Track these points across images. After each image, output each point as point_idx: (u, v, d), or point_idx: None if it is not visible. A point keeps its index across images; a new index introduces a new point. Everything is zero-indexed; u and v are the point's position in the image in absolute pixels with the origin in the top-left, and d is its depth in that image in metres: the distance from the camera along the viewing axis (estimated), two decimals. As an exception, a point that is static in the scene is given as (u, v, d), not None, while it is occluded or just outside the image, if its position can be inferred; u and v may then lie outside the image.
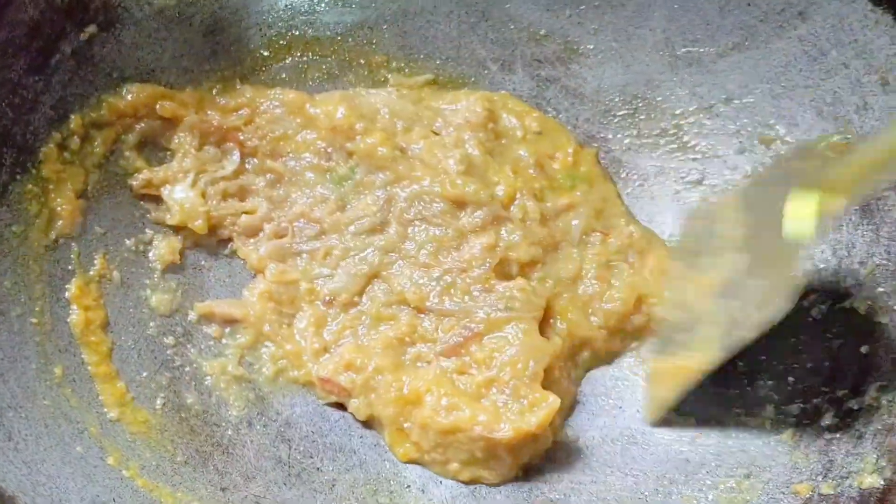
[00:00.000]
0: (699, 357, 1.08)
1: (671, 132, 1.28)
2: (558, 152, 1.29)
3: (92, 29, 1.18)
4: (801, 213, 0.92)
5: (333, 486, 1.15)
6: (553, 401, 1.11)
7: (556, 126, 1.31)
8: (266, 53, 1.31)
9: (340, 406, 1.19)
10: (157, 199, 1.24)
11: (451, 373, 1.15)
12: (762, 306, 0.99)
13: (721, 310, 1.07)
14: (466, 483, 1.14)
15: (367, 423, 1.18)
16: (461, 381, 1.15)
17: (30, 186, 1.14)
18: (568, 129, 1.31)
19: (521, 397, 1.12)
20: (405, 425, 1.14)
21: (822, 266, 1.14)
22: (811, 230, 0.91)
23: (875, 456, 1.01)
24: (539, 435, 1.11)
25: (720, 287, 1.08)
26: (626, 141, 1.30)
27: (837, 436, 1.05)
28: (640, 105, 1.29)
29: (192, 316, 1.23)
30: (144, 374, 1.17)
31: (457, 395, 1.12)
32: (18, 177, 1.13)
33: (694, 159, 1.26)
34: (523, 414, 1.10)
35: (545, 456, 1.15)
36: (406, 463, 1.16)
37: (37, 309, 1.12)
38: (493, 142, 1.27)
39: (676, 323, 1.16)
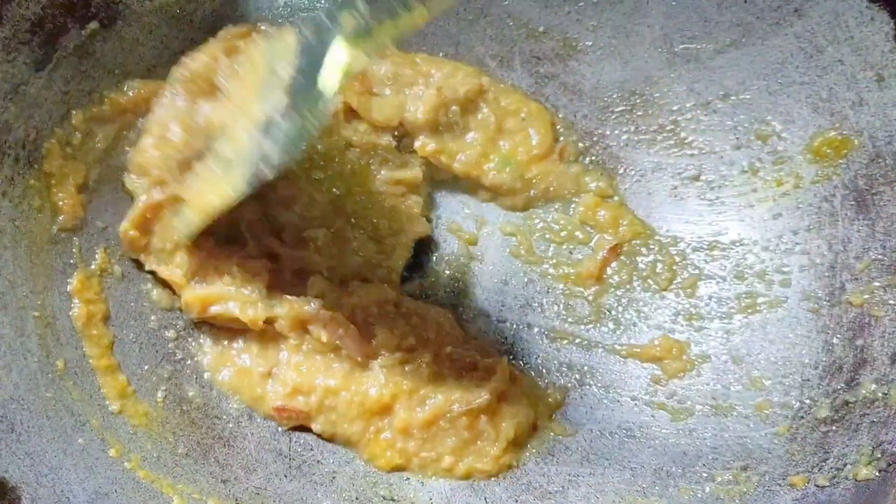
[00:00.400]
0: (225, 189, 1.09)
1: (668, 128, 1.28)
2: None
3: (93, 25, 1.18)
4: (334, 67, 0.95)
5: (334, 478, 1.16)
6: (502, 359, 1.18)
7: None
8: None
9: (306, 429, 1.19)
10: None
11: (399, 364, 1.18)
12: (285, 148, 1.02)
13: (254, 146, 1.07)
14: (462, 479, 1.16)
15: (334, 440, 1.19)
16: (410, 370, 1.17)
17: (32, 181, 1.14)
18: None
19: (474, 367, 1.18)
20: (384, 435, 1.16)
21: (818, 261, 1.15)
22: (336, 84, 0.96)
23: (871, 448, 1.02)
24: (511, 396, 1.16)
25: (260, 124, 1.08)
26: (624, 137, 1.30)
27: (833, 428, 1.06)
28: (638, 101, 1.30)
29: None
30: (146, 367, 1.18)
31: (421, 385, 1.15)
32: (21, 172, 1.13)
33: (691, 155, 1.27)
34: (485, 379, 1.16)
35: (541, 445, 1.18)
36: (392, 472, 1.16)
37: (39, 302, 1.12)
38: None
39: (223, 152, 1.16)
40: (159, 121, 1.19)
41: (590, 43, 1.31)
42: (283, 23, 1.31)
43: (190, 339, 1.22)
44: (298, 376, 1.17)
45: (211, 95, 1.19)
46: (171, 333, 1.21)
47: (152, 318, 1.21)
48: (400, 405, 1.15)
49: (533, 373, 1.24)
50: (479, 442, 1.15)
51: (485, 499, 1.14)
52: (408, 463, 1.16)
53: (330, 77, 0.96)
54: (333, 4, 0.99)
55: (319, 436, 1.18)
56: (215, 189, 1.11)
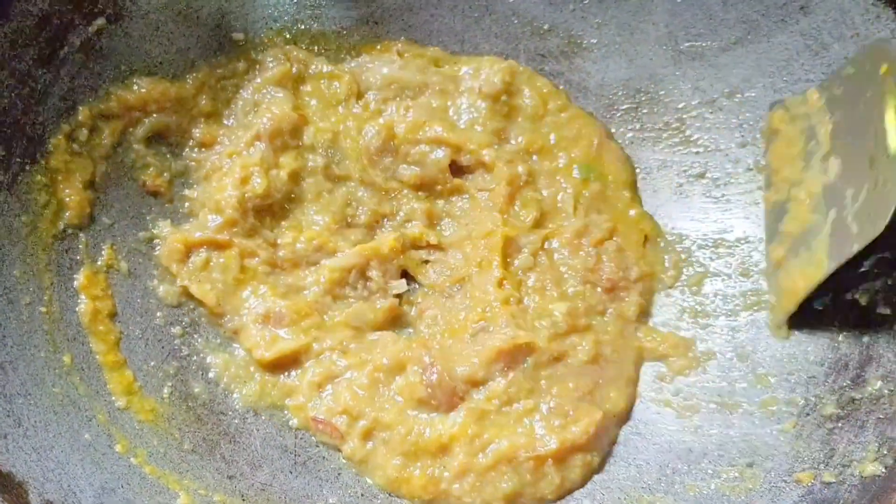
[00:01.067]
0: (812, 270, 1.07)
1: (674, 126, 1.28)
2: (583, 142, 1.28)
3: (100, 21, 1.19)
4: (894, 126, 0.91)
5: (339, 474, 1.16)
6: (596, 412, 1.13)
7: (581, 114, 1.31)
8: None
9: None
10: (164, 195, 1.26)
11: (488, 413, 1.14)
12: (861, 219, 0.98)
13: (822, 219, 1.06)
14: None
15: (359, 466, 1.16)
16: (495, 415, 1.14)
17: (39, 177, 1.15)
18: (596, 121, 1.31)
19: (565, 413, 1.13)
20: (430, 472, 1.12)
21: (824, 258, 1.15)
22: None
23: (877, 444, 1.02)
24: (585, 448, 1.12)
25: (821, 194, 1.06)
26: (630, 135, 1.31)
27: (839, 425, 1.06)
28: (643, 99, 1.30)
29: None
30: (152, 363, 1.18)
31: (487, 430, 1.12)
32: (27, 167, 1.14)
33: (696, 153, 1.27)
34: (567, 426, 1.12)
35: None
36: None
37: (46, 298, 1.13)
38: (502, 120, 1.28)
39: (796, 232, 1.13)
40: (243, 164, 1.22)
41: (595, 41, 1.31)
42: (288, 21, 1.31)
43: (196, 336, 1.22)
44: (353, 399, 1.15)
45: (293, 150, 1.25)
46: (176, 330, 1.21)
47: (158, 314, 1.21)
48: (459, 448, 1.11)
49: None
50: (539, 484, 1.11)
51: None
52: (444, 498, 1.12)
53: (893, 135, 0.93)
54: (868, 56, 0.96)
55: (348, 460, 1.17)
56: (802, 272, 1.09)
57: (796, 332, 1.15)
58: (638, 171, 1.30)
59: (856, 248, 1.00)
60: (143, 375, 1.17)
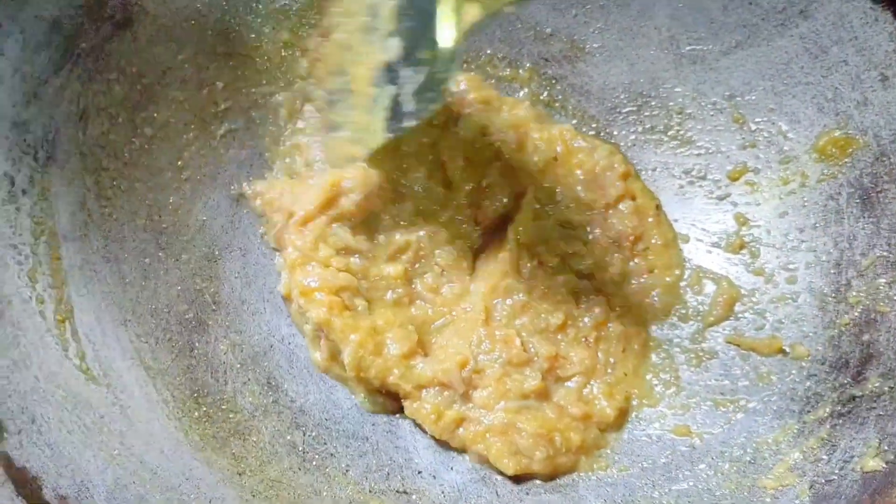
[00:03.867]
0: (368, 139, 1.14)
1: (675, 128, 1.30)
2: None
3: (110, 27, 1.20)
4: (447, 21, 0.99)
5: (347, 471, 1.17)
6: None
7: None
8: (282, 53, 1.34)
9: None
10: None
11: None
12: (419, 97, 1.06)
13: (381, 94, 1.11)
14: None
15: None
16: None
17: (50, 179, 1.16)
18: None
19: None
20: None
21: (824, 258, 1.17)
22: (453, 35, 1.00)
23: (877, 440, 1.03)
24: None
25: (378, 70, 1.11)
26: (632, 137, 1.32)
27: (840, 422, 1.07)
28: (645, 102, 1.32)
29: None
30: (163, 360, 1.20)
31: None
32: (39, 170, 1.15)
33: (698, 154, 1.29)
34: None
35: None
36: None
37: (57, 297, 1.14)
38: None
39: (334, 91, 1.20)
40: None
41: (597, 45, 1.33)
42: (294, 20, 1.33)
43: (206, 332, 1.24)
44: None
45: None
46: (188, 327, 1.23)
47: (169, 313, 1.23)
48: None
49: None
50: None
51: (496, 492, 1.15)
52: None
53: (445, 29, 1.00)
54: None
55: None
56: (359, 140, 1.15)
57: (797, 331, 1.16)
58: (640, 172, 1.31)
59: (413, 123, 1.08)
60: (153, 373, 1.18)
